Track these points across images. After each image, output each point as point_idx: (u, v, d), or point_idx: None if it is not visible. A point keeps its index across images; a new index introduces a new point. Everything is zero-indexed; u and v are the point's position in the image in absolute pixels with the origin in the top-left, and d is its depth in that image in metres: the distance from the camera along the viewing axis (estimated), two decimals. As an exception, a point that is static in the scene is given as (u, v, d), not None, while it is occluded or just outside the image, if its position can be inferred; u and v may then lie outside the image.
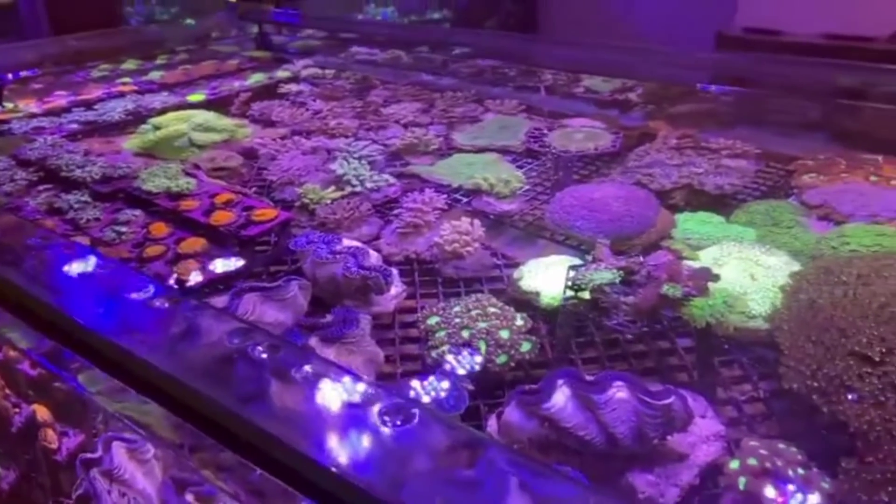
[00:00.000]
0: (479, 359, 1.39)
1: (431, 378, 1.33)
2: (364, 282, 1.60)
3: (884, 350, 1.18)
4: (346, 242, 1.74)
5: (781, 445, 1.20)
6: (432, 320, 1.50)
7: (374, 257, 1.70)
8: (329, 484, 0.75)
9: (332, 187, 2.13)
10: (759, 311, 1.51)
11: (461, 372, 1.35)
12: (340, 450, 0.78)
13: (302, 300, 1.55)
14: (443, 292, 1.75)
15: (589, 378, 1.22)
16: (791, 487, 1.11)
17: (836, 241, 1.71)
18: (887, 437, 1.07)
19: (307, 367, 0.90)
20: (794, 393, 1.27)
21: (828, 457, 1.17)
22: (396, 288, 1.67)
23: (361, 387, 0.87)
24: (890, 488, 1.00)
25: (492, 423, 1.28)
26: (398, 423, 0.81)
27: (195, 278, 1.73)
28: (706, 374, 1.44)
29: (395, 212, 2.00)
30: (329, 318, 1.45)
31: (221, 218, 1.90)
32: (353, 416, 0.83)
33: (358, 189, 2.13)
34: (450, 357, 1.40)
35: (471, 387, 1.32)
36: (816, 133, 2.46)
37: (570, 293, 1.47)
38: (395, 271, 1.72)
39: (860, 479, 1.04)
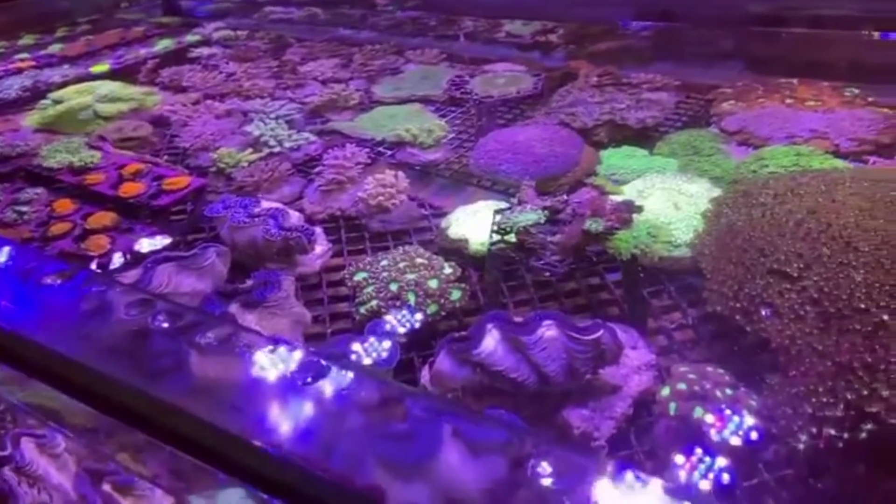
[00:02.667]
0: (418, 316, 1.35)
1: (372, 339, 1.29)
2: (286, 243, 1.54)
3: (801, 266, 1.19)
4: (266, 204, 1.67)
5: (709, 368, 1.21)
6: (359, 276, 1.45)
7: (295, 217, 1.64)
8: (248, 457, 0.71)
9: (249, 150, 2.04)
10: (683, 240, 1.51)
11: (394, 325, 1.32)
12: (257, 419, 0.74)
13: (221, 267, 1.49)
14: (370, 247, 1.70)
15: (518, 320, 1.20)
16: (720, 407, 1.12)
17: (756, 164, 1.73)
18: (808, 350, 1.08)
19: (212, 335, 0.85)
20: (720, 316, 1.28)
21: (754, 376, 1.18)
22: (322, 247, 1.62)
23: (273, 349, 0.82)
24: (814, 399, 1.01)
25: (425, 375, 1.26)
26: (311, 382, 0.76)
27: (118, 261, 1.64)
28: (635, 306, 1.44)
29: (317, 170, 1.93)
30: (249, 282, 1.39)
31: (130, 189, 1.80)
32: (267, 382, 0.79)
33: (276, 150, 2.05)
34: (381, 311, 1.36)
35: (402, 339, 1.29)
36: (733, 62, 2.48)
37: (496, 237, 1.44)
38: (319, 230, 1.67)
39: (785, 392, 1.05)
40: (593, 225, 1.35)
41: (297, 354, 0.81)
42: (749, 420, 1.11)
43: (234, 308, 1.33)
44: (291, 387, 0.78)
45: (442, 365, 1.20)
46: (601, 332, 1.17)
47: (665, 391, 1.19)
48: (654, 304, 1.48)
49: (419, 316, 1.36)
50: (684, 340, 1.40)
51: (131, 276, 1.43)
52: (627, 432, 1.21)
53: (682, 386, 1.16)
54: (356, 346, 1.26)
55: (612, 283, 1.55)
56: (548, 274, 1.42)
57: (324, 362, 0.81)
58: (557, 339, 1.16)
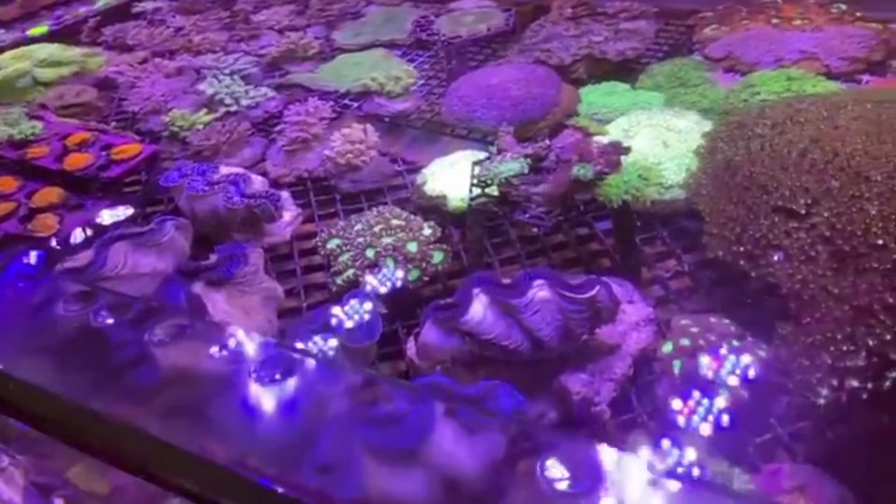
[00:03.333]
0: (400, 274, 1.26)
1: (353, 302, 1.20)
2: (250, 211, 1.43)
3: (808, 201, 1.11)
4: (225, 170, 1.55)
5: (713, 319, 1.13)
6: (333, 243, 1.35)
7: (258, 182, 1.52)
8: (201, 474, 0.61)
9: (204, 110, 1.90)
10: (674, 181, 1.42)
11: (379, 287, 1.22)
12: (214, 432, 0.64)
13: (182, 241, 1.37)
14: (342, 210, 1.59)
15: (506, 281, 1.11)
16: (726, 361, 1.05)
17: (746, 92, 1.63)
18: (822, 295, 1.01)
19: (161, 331, 0.75)
20: (720, 261, 1.20)
21: (762, 324, 1.11)
22: (290, 213, 1.51)
23: (232, 342, 0.73)
24: (832, 348, 0.94)
25: (411, 347, 1.17)
26: (274, 379, 0.67)
27: (79, 236, 1.52)
28: (628, 256, 1.36)
29: (279, 128, 1.80)
30: (213, 258, 1.28)
31: (77, 162, 1.66)
32: (224, 386, 0.69)
33: (233, 108, 1.92)
34: (359, 281, 1.27)
35: (383, 310, 1.20)
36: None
37: (476, 191, 1.34)
38: (285, 194, 1.56)
39: (799, 342, 0.98)
40: (581, 171, 1.25)
41: (258, 349, 0.72)
42: (759, 373, 1.04)
43: (198, 287, 1.22)
44: (252, 391, 0.69)
45: (428, 336, 1.11)
46: (596, 289, 1.08)
47: (667, 347, 1.11)
48: (647, 252, 1.40)
49: (400, 283, 1.27)
50: (682, 290, 1.32)
51: (82, 258, 1.31)
52: (629, 394, 1.14)
53: (685, 342, 1.09)
54: (334, 321, 1.17)
55: (602, 233, 1.46)
56: (536, 229, 1.33)
57: (293, 354, 0.72)
58: (550, 300, 1.08)
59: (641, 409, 1.12)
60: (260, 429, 0.64)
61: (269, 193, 1.46)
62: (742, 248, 1.12)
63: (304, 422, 0.64)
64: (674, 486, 0.59)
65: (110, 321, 0.76)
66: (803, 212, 1.09)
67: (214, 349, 0.72)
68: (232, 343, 0.74)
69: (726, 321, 1.12)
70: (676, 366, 1.06)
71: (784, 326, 1.02)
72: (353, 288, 1.27)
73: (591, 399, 1.10)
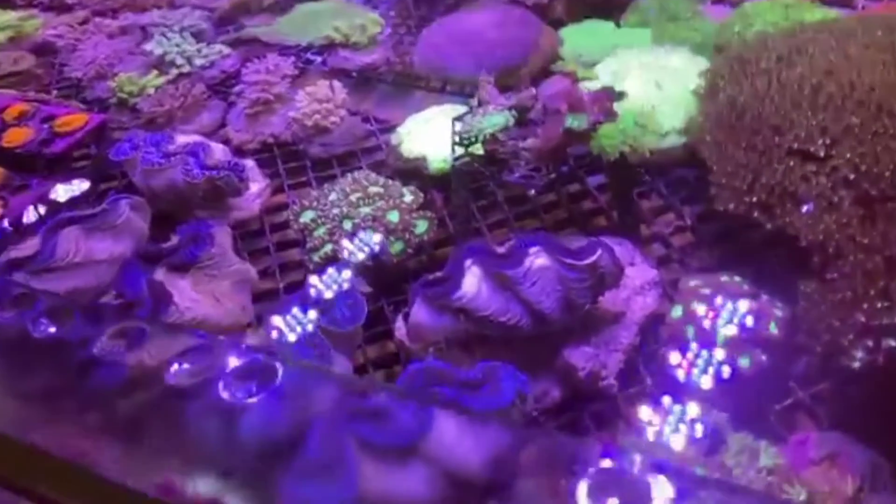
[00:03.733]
0: (377, 238, 1.16)
1: (331, 271, 1.10)
2: (212, 185, 1.31)
3: (827, 141, 1.01)
4: (182, 139, 1.42)
5: (724, 278, 1.05)
6: (307, 216, 1.24)
7: (220, 151, 1.40)
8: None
9: (154, 73, 1.75)
10: (671, 126, 1.32)
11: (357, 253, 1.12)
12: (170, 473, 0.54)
13: (139, 222, 1.26)
14: (314, 178, 1.48)
15: (500, 250, 1.02)
16: (742, 324, 0.97)
17: (740, 24, 1.52)
18: (849, 246, 0.93)
19: (110, 343, 0.64)
20: (725, 214, 1.12)
21: (777, 282, 1.03)
22: (258, 183, 1.39)
23: (194, 357, 0.62)
24: (864, 305, 0.86)
25: (400, 327, 1.08)
26: (250, 393, 0.58)
27: (32, 215, 1.39)
28: (626, 213, 1.27)
29: (237, 89, 1.67)
30: (175, 239, 1.17)
31: (16, 137, 1.52)
32: (188, 409, 0.59)
33: (186, 69, 1.77)
34: (337, 256, 1.17)
35: (366, 289, 1.10)
36: None
37: (459, 150, 1.23)
38: (251, 163, 1.44)
39: (827, 301, 0.90)
40: (575, 122, 1.15)
41: (227, 357, 0.62)
42: (778, 335, 0.97)
43: (160, 274, 1.11)
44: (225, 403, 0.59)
45: (418, 316, 1.02)
46: (598, 253, 0.99)
47: (676, 312, 1.03)
48: (644, 207, 1.31)
49: (383, 257, 1.17)
50: (685, 246, 1.24)
51: (29, 246, 1.20)
52: (636, 364, 1.06)
53: (696, 305, 1.00)
54: (313, 292, 1.07)
55: (595, 189, 1.37)
56: (533, 191, 1.23)
57: (270, 361, 0.62)
58: (549, 268, 0.99)
59: (651, 380, 1.04)
60: (234, 464, 0.55)
61: (232, 163, 1.34)
62: (755, 199, 1.04)
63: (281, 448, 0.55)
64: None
65: (52, 330, 0.65)
66: (822, 154, 1.00)
67: (175, 362, 0.62)
68: (197, 351, 0.64)
69: (737, 279, 1.04)
70: (689, 332, 0.98)
71: (807, 283, 0.94)
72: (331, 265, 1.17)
73: (597, 373, 1.03)
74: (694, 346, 0.96)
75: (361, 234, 1.18)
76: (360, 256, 1.14)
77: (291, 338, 1.01)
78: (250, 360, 0.63)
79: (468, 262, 1.01)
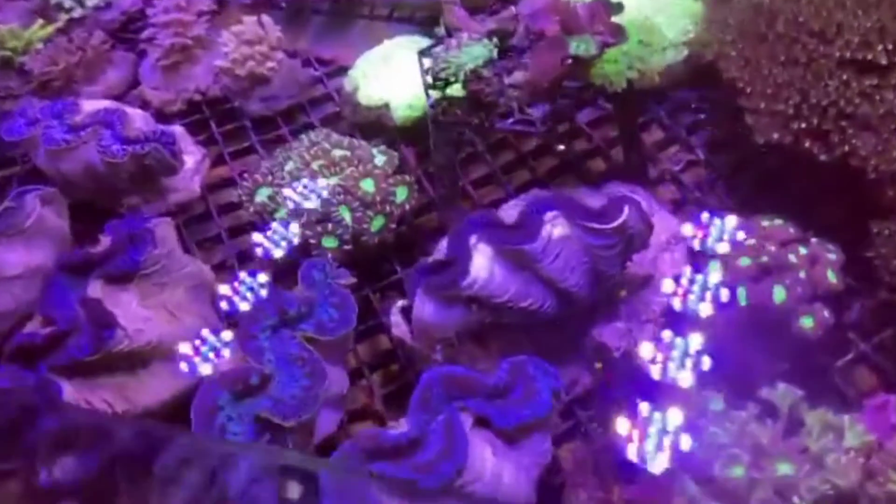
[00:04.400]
0: (323, 183, 1.02)
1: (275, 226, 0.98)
2: (139, 163, 1.11)
3: (890, 46, 0.87)
4: (89, 106, 1.20)
5: (764, 223, 0.93)
6: (262, 194, 1.06)
7: (139, 118, 1.19)
8: None
9: (39, 22, 1.49)
10: (674, 38, 1.16)
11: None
12: None
13: (55, 220, 1.06)
14: (258, 141, 1.28)
15: (508, 217, 0.88)
16: (797, 276, 0.87)
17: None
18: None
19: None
20: (734, 137, 1.00)
21: (826, 219, 0.93)
22: (193, 155, 1.19)
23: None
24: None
25: (398, 322, 0.94)
26: None
27: None
28: (631, 151, 1.13)
29: (145, 34, 1.42)
30: (104, 240, 0.97)
31: None
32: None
33: (77, 13, 1.52)
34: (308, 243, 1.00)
35: (350, 280, 0.94)
36: None
37: (434, 94, 1.05)
38: (179, 129, 1.22)
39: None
40: (583, 47, 0.98)
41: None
42: (837, 282, 0.87)
43: (95, 288, 0.92)
44: None
45: (423, 312, 0.88)
46: (626, 211, 0.86)
47: (713, 270, 0.92)
48: (646, 141, 1.18)
49: (363, 238, 1.01)
50: (699, 184, 1.12)
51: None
52: (674, 328, 0.94)
53: (745, 261, 0.88)
54: (259, 252, 0.96)
55: (587, 126, 1.22)
56: (561, 147, 1.07)
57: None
58: (571, 237, 0.86)
59: (694, 349, 0.93)
60: None
61: (158, 133, 1.13)
62: (804, 124, 0.90)
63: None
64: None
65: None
66: (884, 61, 0.87)
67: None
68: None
69: (779, 221, 0.93)
70: (742, 295, 0.86)
71: (880, 223, 0.84)
72: (303, 254, 1.00)
73: (633, 352, 0.91)
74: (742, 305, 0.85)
75: (305, 181, 1.03)
76: (309, 205, 1.00)
77: (244, 306, 0.89)
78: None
79: (473, 239, 0.87)
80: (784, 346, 0.86)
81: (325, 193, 1.02)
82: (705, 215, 0.88)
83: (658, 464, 0.74)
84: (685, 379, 0.79)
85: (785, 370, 0.85)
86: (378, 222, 1.03)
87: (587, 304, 0.90)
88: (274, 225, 0.97)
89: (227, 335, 0.87)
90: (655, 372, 0.79)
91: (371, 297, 1.03)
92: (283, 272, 0.96)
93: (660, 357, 0.79)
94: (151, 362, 0.90)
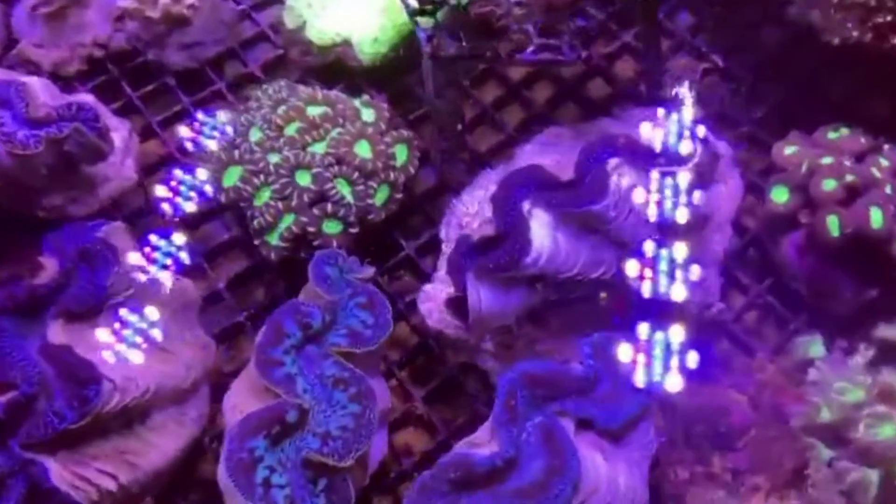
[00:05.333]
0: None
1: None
2: (58, 151, 0.89)
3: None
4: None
5: (831, 134, 0.86)
6: (232, 176, 0.88)
7: (41, 88, 0.96)
8: None
9: None
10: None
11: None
12: None
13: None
14: (192, 103, 1.07)
15: (563, 174, 0.76)
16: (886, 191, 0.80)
17: None
18: None
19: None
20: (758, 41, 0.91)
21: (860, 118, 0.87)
22: (117, 132, 0.97)
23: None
24: None
25: (428, 308, 0.82)
26: None
27: None
28: (655, 64, 1.02)
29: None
30: (49, 266, 0.77)
31: None
32: None
33: None
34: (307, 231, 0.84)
35: (370, 272, 0.81)
36: None
37: (425, 23, 0.87)
38: (89, 99, 0.99)
39: None
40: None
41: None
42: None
43: (55, 333, 0.74)
44: None
45: (480, 301, 0.76)
46: (695, 146, 0.77)
47: (781, 194, 0.84)
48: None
49: (369, 217, 0.87)
50: (722, 96, 1.03)
51: None
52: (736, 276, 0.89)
53: (829, 185, 0.80)
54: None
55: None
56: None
57: None
58: (639, 185, 0.75)
59: (763, 292, 0.88)
60: None
61: (74, 108, 0.91)
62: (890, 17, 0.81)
63: None
64: None
65: None
66: None
67: None
68: None
69: (845, 130, 0.86)
70: (834, 225, 0.78)
71: None
72: (300, 246, 0.85)
73: (706, 305, 0.84)
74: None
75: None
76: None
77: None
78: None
79: (526, 205, 0.75)
80: (876, 271, 0.81)
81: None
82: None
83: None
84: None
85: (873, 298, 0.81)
86: (382, 193, 0.88)
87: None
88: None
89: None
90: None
91: (380, 280, 0.90)
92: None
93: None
94: (150, 414, 0.74)
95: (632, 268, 0.74)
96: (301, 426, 0.71)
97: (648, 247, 0.74)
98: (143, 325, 0.75)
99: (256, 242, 0.86)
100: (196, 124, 0.94)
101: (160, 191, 0.87)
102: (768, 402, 0.76)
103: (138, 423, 0.73)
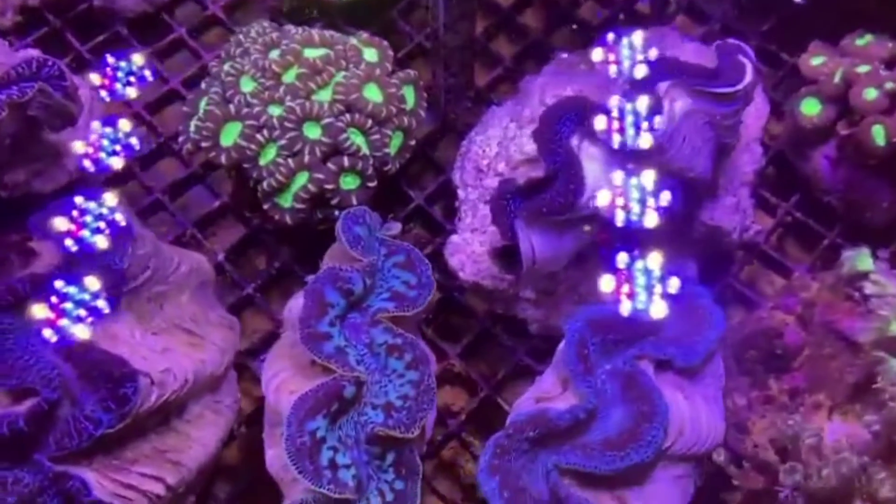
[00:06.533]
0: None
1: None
2: (19, 116, 0.79)
3: None
4: None
5: (859, 41, 0.85)
6: (231, 133, 0.81)
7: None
8: None
9: None
10: None
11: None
12: None
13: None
14: (152, 54, 0.97)
15: (611, 99, 0.72)
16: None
17: None
18: None
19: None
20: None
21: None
22: (85, 87, 0.87)
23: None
24: None
25: (459, 261, 0.79)
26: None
27: None
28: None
29: None
30: (41, 248, 0.70)
31: None
32: None
33: None
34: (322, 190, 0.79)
35: (397, 227, 0.77)
36: None
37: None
38: (33, 53, 0.88)
39: None
40: None
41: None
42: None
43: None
44: None
45: (530, 248, 0.73)
46: (749, 68, 0.75)
47: (812, 106, 0.84)
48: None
49: (385, 168, 0.82)
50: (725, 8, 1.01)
51: None
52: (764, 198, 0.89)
53: (869, 94, 0.79)
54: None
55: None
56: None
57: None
58: (696, 111, 0.73)
59: (791, 209, 0.89)
60: None
61: (33, 63, 0.80)
62: None
63: None
64: None
65: None
66: None
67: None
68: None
69: (869, 36, 0.86)
70: (879, 135, 0.78)
71: None
72: (316, 206, 0.79)
73: (744, 225, 0.84)
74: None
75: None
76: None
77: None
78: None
79: (574, 138, 0.72)
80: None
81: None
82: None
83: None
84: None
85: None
86: (396, 141, 0.83)
87: (706, 188, 0.79)
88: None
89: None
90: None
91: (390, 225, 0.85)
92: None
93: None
94: (187, 406, 0.69)
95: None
96: (357, 400, 0.68)
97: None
98: (168, 311, 0.69)
99: (266, 206, 0.80)
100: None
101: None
102: (819, 320, 0.77)
103: (175, 418, 0.67)
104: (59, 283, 0.65)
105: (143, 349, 0.66)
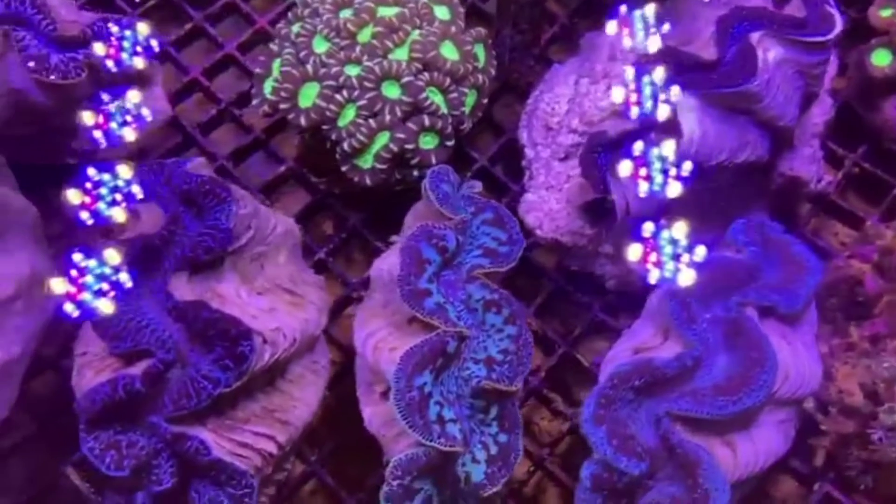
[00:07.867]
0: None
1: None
2: (95, 78, 0.80)
3: None
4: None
5: None
6: (308, 96, 0.82)
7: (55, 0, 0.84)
8: None
9: None
10: None
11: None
12: None
13: (15, 199, 0.75)
14: (205, 18, 0.98)
15: (707, 54, 0.74)
16: None
17: None
18: None
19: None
20: None
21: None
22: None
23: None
24: None
25: (535, 218, 0.82)
26: None
27: None
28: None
29: None
30: (138, 221, 0.71)
31: None
32: None
33: None
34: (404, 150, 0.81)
35: (478, 185, 0.79)
36: None
37: None
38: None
39: None
40: None
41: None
42: None
43: (180, 288, 0.68)
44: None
45: (623, 199, 0.75)
46: (836, 15, 0.77)
47: (882, 60, 0.87)
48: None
49: (461, 128, 0.84)
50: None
51: None
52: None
53: None
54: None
55: None
56: None
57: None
58: (788, 60, 0.75)
59: (859, 159, 0.93)
60: None
61: (107, 22, 0.81)
62: None
63: None
64: None
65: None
66: None
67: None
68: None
69: None
70: None
71: None
72: (395, 166, 0.81)
73: (819, 176, 0.87)
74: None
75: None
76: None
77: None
78: None
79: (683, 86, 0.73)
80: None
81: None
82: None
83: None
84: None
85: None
86: (471, 99, 0.85)
87: (791, 137, 0.82)
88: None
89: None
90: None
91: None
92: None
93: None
94: (288, 367, 0.71)
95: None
96: (458, 356, 0.70)
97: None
98: (268, 271, 0.71)
99: (344, 168, 0.81)
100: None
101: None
102: (897, 267, 0.80)
103: (279, 378, 0.69)
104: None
105: (252, 308, 0.68)
